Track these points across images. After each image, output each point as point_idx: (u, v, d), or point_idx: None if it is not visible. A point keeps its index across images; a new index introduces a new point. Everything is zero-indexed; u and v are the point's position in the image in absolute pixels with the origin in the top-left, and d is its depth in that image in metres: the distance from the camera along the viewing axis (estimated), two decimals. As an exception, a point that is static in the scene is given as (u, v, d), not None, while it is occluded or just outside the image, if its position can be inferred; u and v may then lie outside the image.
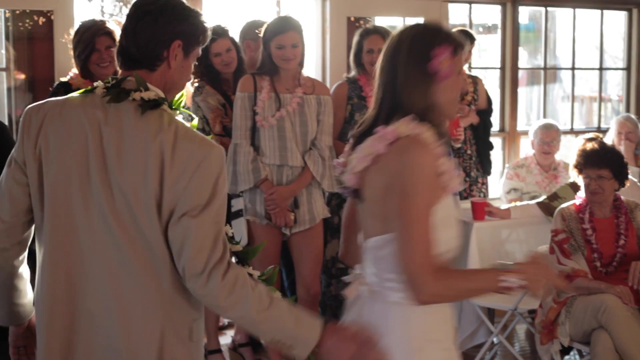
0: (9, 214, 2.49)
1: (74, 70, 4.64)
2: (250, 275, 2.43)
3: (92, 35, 4.49)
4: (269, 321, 2.37)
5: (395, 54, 2.53)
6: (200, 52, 2.58)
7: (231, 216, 4.81)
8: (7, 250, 2.55)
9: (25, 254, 2.61)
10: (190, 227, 2.29)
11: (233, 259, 2.44)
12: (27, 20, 5.63)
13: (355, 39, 5.35)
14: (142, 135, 2.35)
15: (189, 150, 2.33)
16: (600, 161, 4.70)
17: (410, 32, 2.55)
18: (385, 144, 2.43)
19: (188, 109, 5.42)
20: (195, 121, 2.60)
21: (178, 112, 2.50)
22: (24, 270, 2.64)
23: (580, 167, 4.77)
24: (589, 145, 4.80)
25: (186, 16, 2.50)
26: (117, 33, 4.54)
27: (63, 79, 4.65)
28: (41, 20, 5.64)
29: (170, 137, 2.34)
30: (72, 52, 4.61)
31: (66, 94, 4.43)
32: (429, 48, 2.49)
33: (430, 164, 2.38)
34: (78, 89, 4.41)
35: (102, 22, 4.58)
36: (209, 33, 2.58)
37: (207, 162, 2.33)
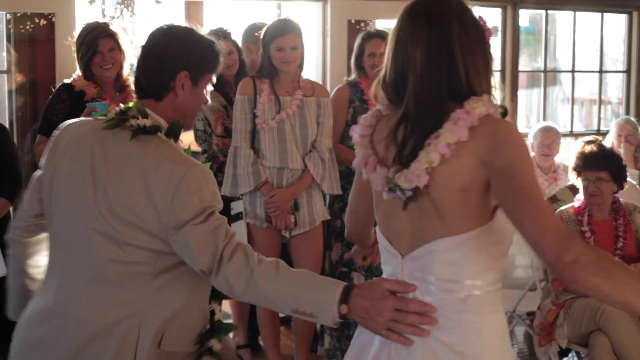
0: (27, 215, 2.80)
1: (78, 72, 4.66)
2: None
3: (94, 37, 4.52)
4: (280, 291, 2.37)
5: (442, 26, 2.27)
6: (214, 78, 2.72)
7: (231, 219, 4.82)
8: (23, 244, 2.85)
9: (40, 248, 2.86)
10: (185, 237, 2.43)
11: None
12: (29, 23, 5.65)
13: (357, 42, 5.35)
14: (129, 159, 2.51)
15: (169, 170, 2.45)
16: (599, 163, 4.72)
17: (448, 2, 2.31)
18: (467, 130, 2.18)
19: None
20: (188, 147, 2.74)
21: (173, 140, 2.60)
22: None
23: (579, 169, 4.79)
24: (588, 148, 4.81)
25: (193, 47, 2.62)
26: (120, 35, 4.57)
27: (67, 81, 4.67)
28: (42, 22, 5.66)
29: (154, 160, 2.48)
30: (75, 54, 4.63)
31: (69, 96, 4.50)
32: (474, 16, 2.32)
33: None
34: (81, 91, 4.50)
35: (105, 25, 4.60)
36: (221, 59, 2.69)
37: (187, 179, 2.44)
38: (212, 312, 2.74)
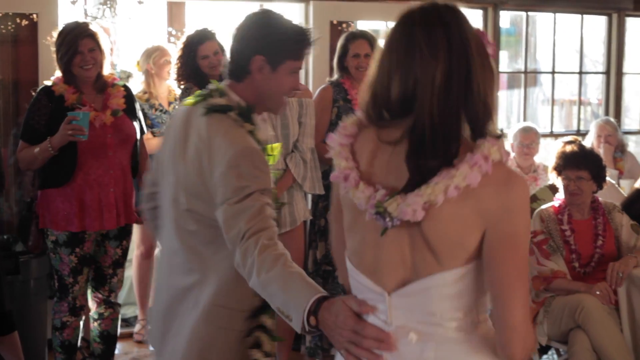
0: None
1: (57, 74, 4.64)
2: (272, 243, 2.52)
3: (75, 37, 4.50)
4: (267, 285, 2.38)
5: (462, 40, 2.01)
6: (302, 66, 2.82)
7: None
8: None
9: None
10: (220, 214, 2.57)
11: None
12: (10, 23, 5.64)
13: (341, 42, 5.38)
14: (199, 135, 2.68)
15: (222, 147, 2.60)
16: (580, 162, 4.77)
17: (451, 14, 2.05)
18: (480, 176, 1.96)
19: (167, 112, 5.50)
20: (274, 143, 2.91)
21: (247, 121, 2.71)
22: None
23: (560, 168, 4.84)
24: (569, 148, 4.87)
25: (271, 32, 2.74)
26: (100, 35, 4.57)
27: (47, 83, 4.65)
28: (25, 22, 5.65)
29: (214, 136, 2.64)
30: (54, 55, 4.62)
31: (49, 101, 4.48)
32: (478, 34, 2.07)
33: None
34: (61, 95, 4.47)
35: (85, 24, 4.59)
36: (308, 49, 2.82)
37: (233, 157, 2.57)
38: None
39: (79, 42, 4.49)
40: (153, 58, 5.71)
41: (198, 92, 2.86)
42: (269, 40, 2.71)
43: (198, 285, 2.75)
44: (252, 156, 2.61)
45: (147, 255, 5.97)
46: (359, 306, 2.13)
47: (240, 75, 2.76)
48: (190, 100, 2.84)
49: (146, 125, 5.69)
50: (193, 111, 2.78)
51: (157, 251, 6.08)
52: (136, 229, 5.94)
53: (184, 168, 2.72)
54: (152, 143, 5.72)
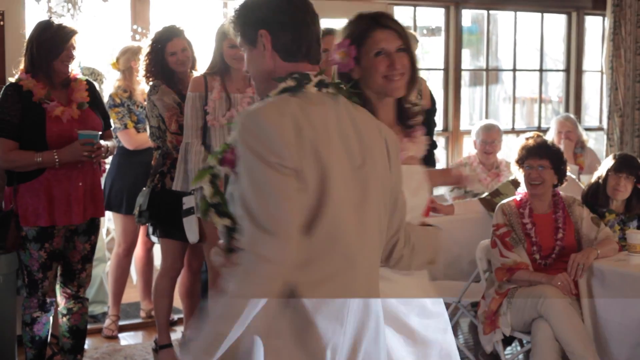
0: None
1: (21, 67, 4.65)
2: None
3: (69, 34, 4.56)
4: None
5: None
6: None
7: (183, 214, 4.89)
8: None
9: None
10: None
11: None
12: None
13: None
14: (376, 128, 2.47)
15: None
16: (542, 152, 4.88)
17: None
18: None
19: (143, 107, 5.53)
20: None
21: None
22: None
23: (522, 159, 4.93)
24: (531, 141, 4.98)
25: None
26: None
27: (12, 80, 4.67)
28: (-10, 20, 5.65)
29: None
30: (29, 49, 4.62)
31: (19, 96, 4.49)
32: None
33: None
34: (29, 91, 4.50)
35: (73, 26, 4.65)
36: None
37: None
38: None
39: (70, 39, 4.55)
40: (136, 57, 5.71)
41: (290, 80, 2.35)
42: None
43: None
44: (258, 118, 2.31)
45: (127, 253, 6.00)
46: None
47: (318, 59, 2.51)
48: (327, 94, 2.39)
49: (132, 121, 5.73)
50: (338, 104, 2.38)
51: (137, 250, 6.12)
52: (118, 228, 5.97)
53: (390, 176, 2.43)
54: (138, 138, 5.76)
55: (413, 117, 2.95)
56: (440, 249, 2.68)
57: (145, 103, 5.67)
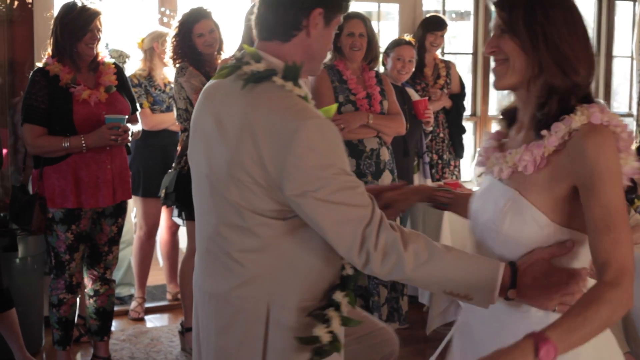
0: None
1: (49, 51, 4.66)
2: None
3: (91, 16, 4.56)
4: (428, 276, 2.24)
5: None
6: (342, 20, 2.48)
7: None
8: None
9: None
10: (311, 209, 2.26)
11: None
12: (4, 3, 5.64)
13: (335, 21, 5.38)
14: (237, 114, 2.30)
15: (283, 124, 2.22)
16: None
17: None
18: None
19: (172, 89, 5.53)
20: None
21: (292, 83, 2.33)
22: None
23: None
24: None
25: None
26: (103, 16, 4.66)
27: (39, 65, 4.68)
28: (18, 3, 5.64)
29: (264, 111, 2.25)
30: (54, 31, 4.62)
31: (47, 82, 4.52)
32: None
33: None
34: (56, 76, 4.52)
35: (96, 7, 4.64)
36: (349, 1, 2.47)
37: (300, 136, 2.19)
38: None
39: (94, 21, 4.55)
40: (161, 40, 5.72)
41: (228, 63, 2.45)
42: None
43: None
44: (326, 133, 2.22)
45: (149, 236, 6.02)
46: (558, 250, 2.16)
47: (288, 34, 2.37)
48: (221, 72, 2.45)
49: (148, 102, 5.73)
50: (227, 85, 2.39)
51: (162, 233, 6.14)
52: (139, 211, 5.99)
53: (225, 154, 2.31)
54: (153, 118, 5.76)
55: None
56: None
57: (166, 86, 5.68)
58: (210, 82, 2.53)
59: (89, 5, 4.61)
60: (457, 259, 2.22)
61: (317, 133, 2.19)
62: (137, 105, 5.16)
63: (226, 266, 2.40)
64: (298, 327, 2.37)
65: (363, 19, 5.30)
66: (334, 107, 2.59)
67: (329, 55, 5.27)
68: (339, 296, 2.41)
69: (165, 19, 6.39)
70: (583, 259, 2.20)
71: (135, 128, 4.85)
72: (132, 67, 5.96)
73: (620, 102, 9.04)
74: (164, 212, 5.96)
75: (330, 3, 2.38)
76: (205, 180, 2.42)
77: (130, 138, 4.72)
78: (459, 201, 2.77)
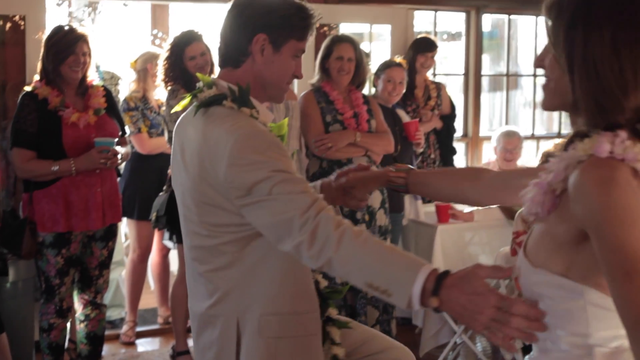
0: None
1: (36, 77, 4.66)
2: None
3: (74, 39, 4.56)
4: (350, 260, 2.18)
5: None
6: (305, 48, 2.54)
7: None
8: None
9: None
10: (256, 214, 2.37)
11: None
12: (-4, 25, 5.64)
13: (325, 43, 5.39)
14: (195, 139, 2.43)
15: (222, 140, 2.33)
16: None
17: None
18: None
19: (158, 113, 5.54)
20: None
21: (243, 105, 2.43)
22: None
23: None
24: (552, 147, 4.95)
25: (274, 9, 2.45)
26: (90, 39, 4.64)
27: (27, 89, 4.67)
28: (10, 25, 5.64)
29: (209, 131, 2.39)
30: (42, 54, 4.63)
31: (35, 105, 4.52)
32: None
33: None
34: (45, 99, 4.52)
35: (81, 30, 4.65)
36: (313, 28, 2.52)
37: (236, 147, 2.31)
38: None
39: (77, 44, 4.55)
40: (154, 61, 5.71)
41: (187, 94, 2.57)
42: (272, 17, 2.43)
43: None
44: (255, 140, 2.32)
45: (142, 259, 5.98)
46: (495, 272, 2.01)
47: (237, 60, 2.48)
48: (181, 104, 2.60)
49: (145, 125, 5.72)
50: (187, 114, 2.53)
51: (153, 256, 6.12)
52: (132, 233, 5.96)
53: (186, 181, 2.45)
54: (151, 143, 5.75)
55: None
56: None
57: (160, 108, 5.67)
58: (182, 116, 2.64)
59: (76, 28, 4.62)
60: (386, 250, 2.19)
61: (246, 142, 2.30)
62: (133, 128, 5.15)
63: (201, 286, 2.52)
64: (265, 341, 2.44)
65: (353, 44, 5.32)
66: (284, 121, 2.71)
67: (315, 77, 5.39)
68: (330, 311, 2.63)
69: (157, 41, 6.40)
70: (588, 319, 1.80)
71: (124, 150, 4.85)
72: (125, 89, 5.95)
73: (611, 122, 9.06)
74: (155, 235, 5.94)
75: (275, 28, 2.45)
76: (181, 206, 2.55)
77: (119, 161, 4.72)
78: (415, 180, 2.70)
